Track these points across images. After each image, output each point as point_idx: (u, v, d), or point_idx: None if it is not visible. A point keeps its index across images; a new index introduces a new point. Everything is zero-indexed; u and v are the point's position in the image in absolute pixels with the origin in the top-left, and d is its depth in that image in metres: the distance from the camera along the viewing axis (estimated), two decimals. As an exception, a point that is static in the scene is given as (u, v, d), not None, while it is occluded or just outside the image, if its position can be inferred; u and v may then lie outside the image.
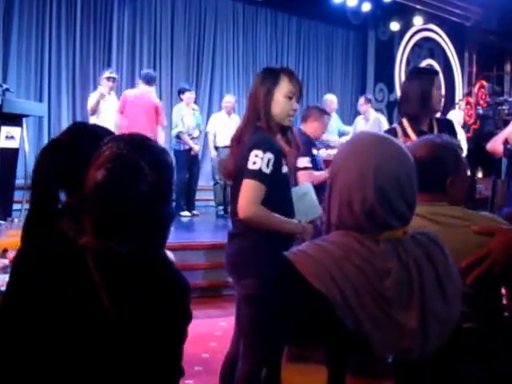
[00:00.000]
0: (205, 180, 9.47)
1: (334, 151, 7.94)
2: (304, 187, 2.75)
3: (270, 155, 2.38)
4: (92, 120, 6.98)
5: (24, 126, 6.27)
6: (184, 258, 4.87)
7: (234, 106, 8.58)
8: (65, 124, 8.82)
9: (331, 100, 8.74)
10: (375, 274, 1.20)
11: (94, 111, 7.00)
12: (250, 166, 2.37)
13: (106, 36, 9.41)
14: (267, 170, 2.37)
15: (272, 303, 1.27)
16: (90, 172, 1.29)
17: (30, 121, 7.74)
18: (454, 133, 3.17)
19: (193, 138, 8.17)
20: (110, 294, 1.23)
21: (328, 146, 8.13)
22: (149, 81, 7.26)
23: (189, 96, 8.25)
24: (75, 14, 9.05)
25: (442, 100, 3.21)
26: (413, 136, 3.16)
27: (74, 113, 9.11)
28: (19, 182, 6.38)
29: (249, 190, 2.38)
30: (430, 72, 3.36)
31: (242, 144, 2.49)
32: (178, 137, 8.06)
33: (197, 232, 6.40)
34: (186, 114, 8.11)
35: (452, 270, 1.30)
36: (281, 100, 2.53)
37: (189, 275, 4.81)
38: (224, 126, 8.10)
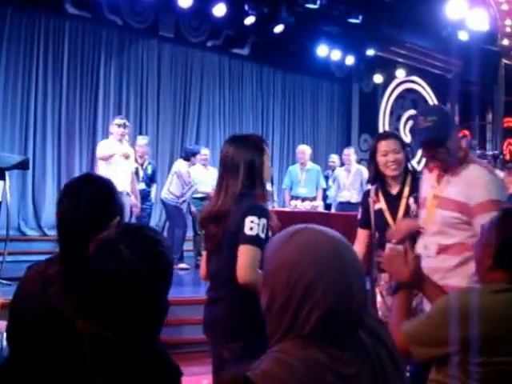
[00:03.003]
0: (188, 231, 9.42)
1: (310, 204, 8.04)
2: None
3: (264, 221, 2.46)
4: (101, 166, 6.75)
5: (7, 178, 6.23)
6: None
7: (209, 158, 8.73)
8: (49, 177, 8.82)
9: (302, 151, 8.87)
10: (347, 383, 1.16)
11: (105, 159, 6.70)
12: (247, 231, 2.43)
13: (92, 89, 9.46)
14: (263, 235, 2.44)
15: None
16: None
17: (14, 174, 7.69)
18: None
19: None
20: (103, 379, 1.21)
21: (305, 199, 8.27)
22: None
23: (198, 158, 8.34)
24: (62, 67, 9.12)
25: (391, 164, 3.28)
26: (381, 197, 3.36)
27: (59, 166, 9.09)
28: (1, 233, 6.31)
29: (248, 256, 2.43)
30: (376, 139, 3.50)
31: (228, 210, 2.52)
32: (181, 196, 8.07)
33: (180, 285, 6.31)
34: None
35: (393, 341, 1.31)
36: (267, 166, 2.64)
37: (172, 331, 4.68)
38: (202, 178, 8.15)
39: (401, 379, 1.26)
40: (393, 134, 3.61)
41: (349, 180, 8.74)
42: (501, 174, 5.43)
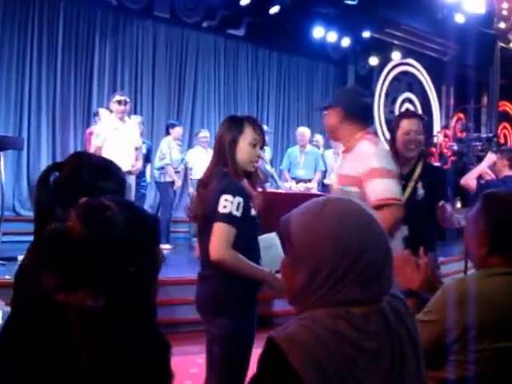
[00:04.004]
0: (183, 212, 9.42)
1: (304, 185, 8.04)
2: (271, 237, 2.78)
3: (239, 199, 2.47)
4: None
5: (1, 158, 6.23)
6: (161, 293, 4.81)
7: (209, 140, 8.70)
8: (44, 158, 8.81)
9: (302, 133, 8.90)
10: (366, 360, 1.17)
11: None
12: (221, 209, 2.46)
13: (86, 70, 9.42)
14: (237, 213, 2.46)
15: None
16: None
17: (9, 154, 7.69)
18: (440, 183, 3.18)
19: (177, 172, 8.24)
20: (93, 355, 1.20)
21: (301, 181, 8.28)
22: None
23: (179, 131, 8.45)
24: (56, 47, 9.06)
25: (410, 144, 3.20)
26: None
27: (54, 146, 9.08)
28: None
29: (220, 233, 2.46)
30: (399, 116, 3.45)
31: (209, 189, 2.57)
32: (162, 168, 8.12)
33: (174, 266, 6.34)
34: (173, 148, 8.21)
35: (413, 320, 1.32)
36: (245, 147, 2.61)
37: (166, 310, 4.71)
38: (202, 161, 8.16)
39: (417, 359, 1.26)
40: (417, 114, 3.48)
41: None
42: (493, 156, 5.42)
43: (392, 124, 3.43)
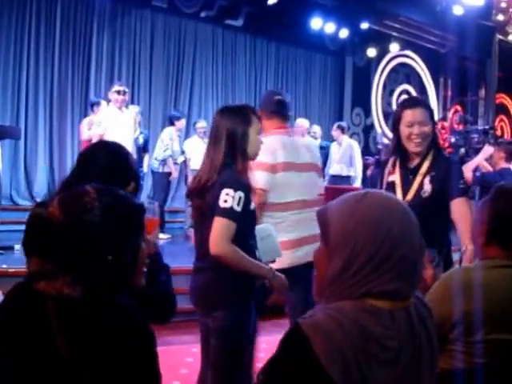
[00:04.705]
0: (181, 202, 9.44)
1: None
2: (267, 228, 2.78)
3: (240, 194, 2.43)
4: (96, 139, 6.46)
5: (-1, 148, 6.23)
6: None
7: (207, 130, 8.71)
8: (41, 146, 8.81)
9: (301, 124, 8.91)
10: (386, 357, 1.17)
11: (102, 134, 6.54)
12: (222, 204, 2.41)
13: (84, 60, 9.39)
14: (238, 208, 2.42)
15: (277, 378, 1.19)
16: None
17: (6, 143, 7.68)
18: (450, 176, 2.89)
19: (175, 163, 8.25)
20: (70, 344, 1.19)
21: None
22: None
23: (183, 123, 8.52)
24: (54, 36, 9.04)
25: (415, 137, 2.90)
26: (397, 169, 2.99)
27: (51, 136, 9.06)
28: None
29: (220, 228, 2.42)
30: (401, 106, 3.11)
31: (211, 184, 2.51)
32: (164, 160, 8.12)
33: (170, 255, 6.36)
34: (174, 139, 8.22)
35: (434, 326, 1.32)
36: (255, 139, 2.59)
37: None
38: (199, 151, 8.16)
39: (432, 364, 1.26)
40: (421, 102, 3.09)
41: (339, 154, 8.89)
42: (490, 149, 5.45)
43: (394, 116, 3.12)
